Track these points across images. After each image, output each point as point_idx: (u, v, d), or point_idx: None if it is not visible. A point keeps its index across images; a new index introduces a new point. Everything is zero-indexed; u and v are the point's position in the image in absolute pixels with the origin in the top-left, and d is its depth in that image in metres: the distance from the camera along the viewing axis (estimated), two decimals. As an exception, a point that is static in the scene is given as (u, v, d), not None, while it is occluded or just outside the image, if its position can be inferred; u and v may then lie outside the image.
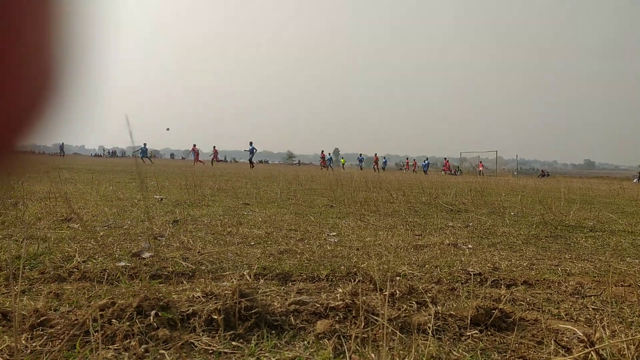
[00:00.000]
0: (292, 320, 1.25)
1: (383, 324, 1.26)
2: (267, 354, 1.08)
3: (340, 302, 1.34)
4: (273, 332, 1.20)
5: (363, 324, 1.22)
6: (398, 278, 1.87)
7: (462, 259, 2.41)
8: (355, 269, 2.01)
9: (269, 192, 6.58)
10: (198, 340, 1.12)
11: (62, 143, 33.91)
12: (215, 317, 1.18)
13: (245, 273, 1.65)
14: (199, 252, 2.24)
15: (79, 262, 1.92)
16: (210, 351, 1.08)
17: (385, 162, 49.19)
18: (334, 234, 3.07)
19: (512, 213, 5.01)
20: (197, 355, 1.06)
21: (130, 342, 1.05)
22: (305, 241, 2.75)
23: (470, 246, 2.82)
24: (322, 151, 38.83)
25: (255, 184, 8.24)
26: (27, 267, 1.80)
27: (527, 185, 15.07)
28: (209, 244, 2.49)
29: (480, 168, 43.39)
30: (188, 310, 1.23)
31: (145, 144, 31.90)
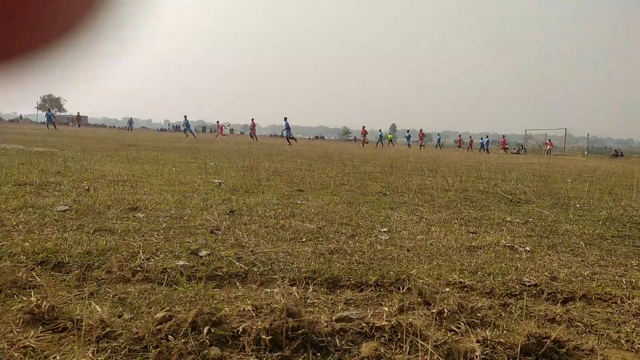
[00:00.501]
0: (337, 341, 1.28)
1: (428, 350, 1.26)
2: (311, 381, 1.11)
3: (386, 323, 1.35)
4: (318, 354, 1.24)
5: (408, 349, 1.22)
6: (448, 290, 1.85)
7: (518, 265, 2.33)
8: (404, 275, 2.00)
9: (323, 176, 6.63)
10: (246, 361, 1.18)
11: (131, 118, 35.96)
12: (264, 336, 1.23)
13: (293, 290, 1.70)
14: (251, 250, 2.32)
15: (142, 259, 2.05)
16: (257, 374, 1.13)
17: (439, 140, 47.79)
18: (385, 229, 3.05)
19: (578, 205, 4.73)
20: (245, 377, 1.12)
21: (184, 360, 1.13)
22: (356, 238, 2.77)
23: (527, 248, 2.71)
24: (364, 127, 38.09)
25: (310, 166, 8.32)
26: (95, 265, 1.95)
27: (597, 168, 14.12)
28: (262, 240, 2.57)
29: (549, 146, 41.13)
30: (238, 327, 1.29)
31: (185, 117, 33.61)
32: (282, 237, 2.68)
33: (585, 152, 42.95)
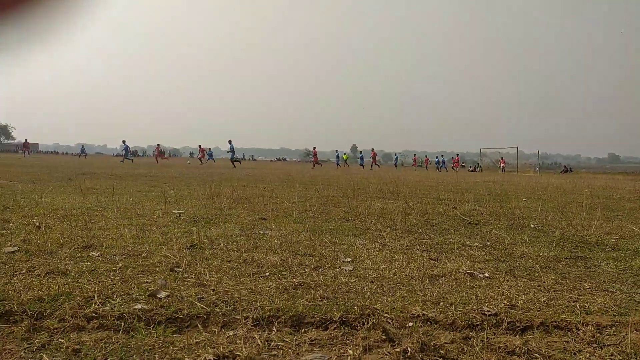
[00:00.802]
0: (303, 389, 1.26)
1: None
2: None
3: (351, 366, 1.34)
4: (283, 404, 1.21)
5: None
6: (411, 324, 1.86)
7: (478, 292, 2.38)
8: (368, 310, 2.01)
9: (285, 202, 6.61)
10: (209, 417, 1.14)
11: (82, 145, 34.86)
12: (226, 389, 1.20)
13: (256, 336, 1.66)
14: (213, 289, 2.27)
15: (97, 304, 1.96)
16: None
17: (396, 159, 48.87)
18: (349, 259, 3.06)
19: (532, 226, 4.93)
20: None
21: (142, 422, 1.08)
22: (320, 270, 2.76)
23: (487, 274, 2.78)
24: (314, 147, 37.91)
25: (272, 192, 8.29)
26: (47, 313, 1.85)
27: (549, 185, 14.79)
28: (225, 276, 2.52)
29: (502, 164, 42.91)
30: (200, 380, 1.25)
31: (124, 141, 33.60)
32: (245, 272, 2.64)
33: (537, 169, 45.01)
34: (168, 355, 1.40)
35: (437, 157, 43.90)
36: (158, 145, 37.52)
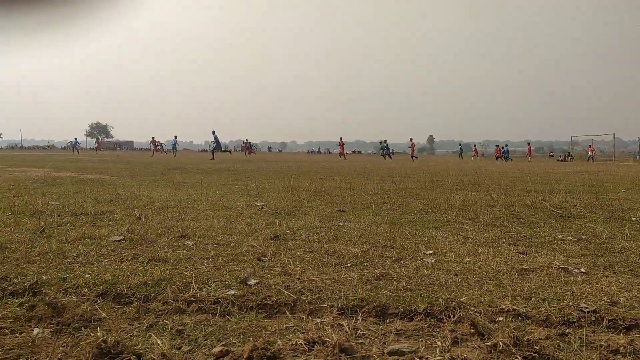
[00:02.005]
0: (392, 377, 1.28)
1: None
2: (368, 419, 1.12)
3: (440, 358, 1.34)
4: (373, 390, 1.24)
5: (464, 385, 1.20)
6: (501, 319, 1.80)
7: (574, 288, 2.24)
8: (454, 303, 1.97)
9: (363, 194, 6.63)
10: (303, 398, 1.20)
11: (175, 140, 36.99)
12: (318, 372, 1.25)
13: (344, 324, 1.71)
14: (298, 278, 2.36)
15: (195, 289, 2.13)
16: (314, 412, 1.15)
17: (461, 149, 46.21)
18: (431, 252, 3.02)
19: (634, 219, 4.51)
20: (303, 415, 1.14)
21: (243, 397, 1.16)
22: (402, 262, 2.75)
23: (583, 270, 2.61)
24: (341, 138, 36.10)
25: (349, 184, 8.34)
26: (152, 296, 2.04)
27: (653, 174, 13.36)
28: (308, 266, 2.60)
29: (590, 152, 39.34)
30: (293, 362, 1.32)
31: (175, 137, 34.75)
32: (328, 263, 2.70)
33: (638, 157, 40.77)
34: (262, 339, 1.49)
35: (502, 147, 41.29)
36: (247, 140, 39.29)
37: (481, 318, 1.78)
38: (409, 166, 18.81)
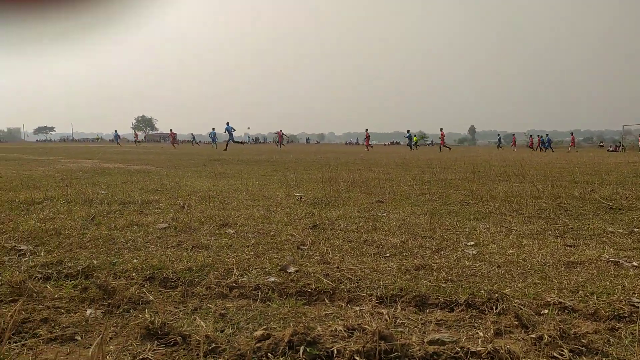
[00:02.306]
0: (432, 366, 1.27)
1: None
2: (408, 406, 1.12)
3: (482, 348, 1.31)
4: (413, 378, 1.24)
5: (507, 376, 1.18)
6: (546, 311, 1.75)
7: (625, 282, 2.14)
8: (497, 295, 1.93)
9: (402, 185, 6.56)
10: (343, 383, 1.21)
11: (214, 132, 37.63)
12: (358, 358, 1.26)
13: (384, 312, 1.71)
14: (337, 267, 2.37)
15: (237, 276, 2.18)
16: (354, 397, 1.16)
17: (499, 139, 44.33)
18: (472, 243, 2.96)
19: (694, 212, 4.23)
20: (343, 399, 1.15)
21: (284, 380, 1.19)
22: (442, 252, 2.71)
23: (635, 263, 2.48)
24: (367, 129, 34.95)
25: (388, 175, 8.27)
26: (196, 281, 2.11)
27: None
28: (347, 256, 2.61)
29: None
30: (332, 348, 1.33)
31: (213, 129, 34.13)
32: (366, 252, 2.70)
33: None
34: (301, 324, 1.51)
35: (541, 137, 39.52)
36: (280, 130, 39.73)
37: (525, 310, 1.73)
38: (449, 157, 18.42)
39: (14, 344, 1.46)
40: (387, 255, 2.65)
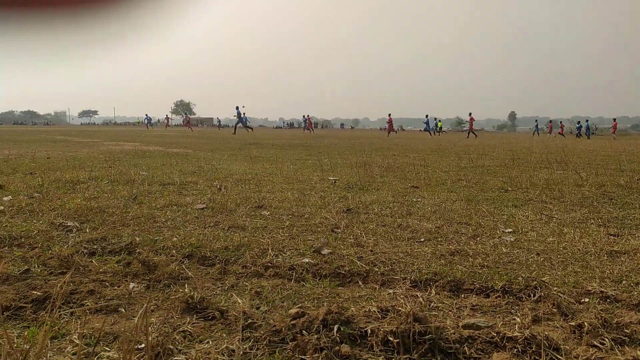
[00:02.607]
0: (466, 349, 1.26)
1: (567, 366, 1.18)
2: (441, 387, 1.12)
3: (519, 334, 1.29)
4: (447, 360, 1.24)
5: (544, 363, 1.16)
6: (587, 300, 1.70)
7: (674, 274, 2.05)
8: (535, 282, 1.89)
9: (437, 171, 6.45)
10: (376, 361, 1.22)
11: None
12: (391, 338, 1.27)
13: (418, 295, 1.70)
14: (371, 250, 2.37)
15: (272, 256, 2.22)
16: (387, 375, 1.17)
17: (536, 126, 42.27)
18: (510, 230, 2.89)
19: None
20: (376, 377, 1.16)
21: (319, 356, 1.21)
22: (478, 239, 2.67)
23: (685, 255, 2.36)
24: (389, 114, 33.79)
25: (423, 161, 8.15)
26: (232, 260, 2.16)
27: None
28: (381, 239, 2.61)
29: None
30: (366, 328, 1.34)
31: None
32: (400, 237, 2.69)
33: None
34: (335, 304, 1.53)
35: (578, 123, 37.59)
36: (308, 116, 39.49)
37: (565, 298, 1.69)
38: (487, 144, 17.95)
39: (64, 313, 1.55)
40: (422, 240, 2.63)
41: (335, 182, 5.04)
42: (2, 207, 3.25)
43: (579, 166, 7.37)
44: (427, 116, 34.76)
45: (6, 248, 2.31)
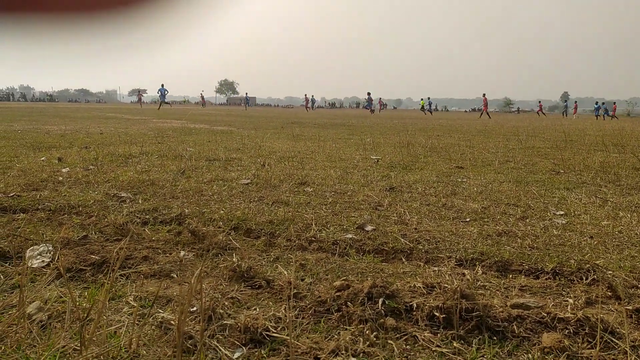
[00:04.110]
0: (515, 328, 1.24)
1: (624, 350, 1.14)
2: (488, 363, 1.11)
3: (571, 315, 1.25)
4: (494, 338, 1.22)
5: (599, 346, 1.12)
6: (645, 285, 1.62)
7: None
8: (587, 265, 1.82)
9: (483, 152, 6.26)
10: (421, 335, 1.22)
11: (312, 95, 38.14)
12: (437, 314, 1.26)
13: (466, 272, 1.68)
14: (415, 228, 2.35)
15: (315, 231, 2.25)
16: (432, 349, 1.17)
17: (566, 105, 39.71)
18: (561, 212, 2.78)
19: None
20: (420, 351, 1.16)
21: (364, 327, 1.22)
22: (527, 220, 2.58)
23: None
24: (484, 95, 32.19)
25: (469, 142, 7.93)
26: (277, 233, 2.20)
27: None
28: (425, 218, 2.58)
29: None
30: (411, 302, 1.34)
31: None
32: (445, 216, 2.64)
33: None
34: (380, 279, 1.53)
35: (596, 104, 35.40)
36: (311, 95, 39.60)
37: (620, 282, 1.61)
38: (537, 125, 17.20)
39: (120, 276, 1.64)
40: (467, 220, 2.58)
41: (377, 161, 5.00)
42: (61, 178, 3.44)
43: (637, 149, 6.94)
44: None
45: (65, 215, 2.46)
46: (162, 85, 28.64)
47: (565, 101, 41.16)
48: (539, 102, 35.34)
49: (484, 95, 31.27)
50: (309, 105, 34.16)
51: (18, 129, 8.57)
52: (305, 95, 32.48)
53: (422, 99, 38.45)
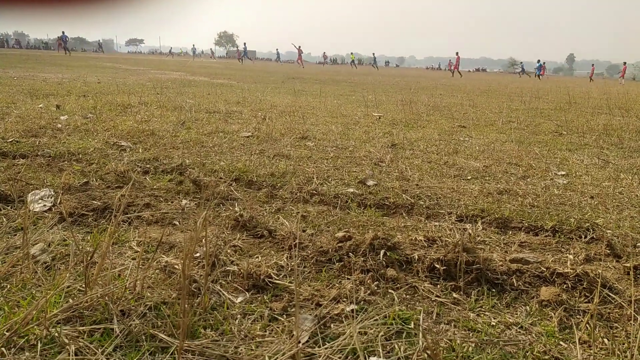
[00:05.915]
0: (514, 281, 1.25)
1: (620, 304, 1.16)
2: (487, 314, 1.13)
3: (570, 270, 1.27)
4: (493, 290, 1.24)
5: (597, 300, 1.14)
6: (643, 245, 1.64)
7: None
8: (587, 224, 1.83)
9: (487, 112, 6.19)
10: (421, 286, 1.24)
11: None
12: (438, 266, 1.27)
13: (468, 227, 1.68)
14: (416, 184, 2.35)
15: (317, 184, 2.24)
16: (432, 299, 1.19)
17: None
18: (563, 173, 2.78)
19: None
20: (420, 300, 1.19)
21: (365, 277, 1.24)
22: (528, 180, 2.58)
23: None
24: (457, 53, 31.20)
25: (472, 101, 7.83)
26: (278, 186, 2.20)
27: None
28: (426, 175, 2.57)
29: None
30: (412, 255, 1.35)
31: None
32: (446, 174, 2.64)
33: None
34: (381, 232, 1.54)
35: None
36: (241, 48, 38.69)
37: (619, 241, 1.63)
38: (542, 87, 16.95)
39: (123, 222, 1.64)
40: (469, 177, 2.58)
41: (379, 118, 4.94)
42: (60, 125, 3.40)
43: (642, 113, 6.87)
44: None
45: (66, 162, 2.44)
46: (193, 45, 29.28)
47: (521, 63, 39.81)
48: (543, 63, 34.33)
49: (457, 53, 30.63)
50: (301, 60, 34.12)
51: (14, 75, 8.40)
52: (299, 47, 32.84)
53: (351, 53, 39.02)
